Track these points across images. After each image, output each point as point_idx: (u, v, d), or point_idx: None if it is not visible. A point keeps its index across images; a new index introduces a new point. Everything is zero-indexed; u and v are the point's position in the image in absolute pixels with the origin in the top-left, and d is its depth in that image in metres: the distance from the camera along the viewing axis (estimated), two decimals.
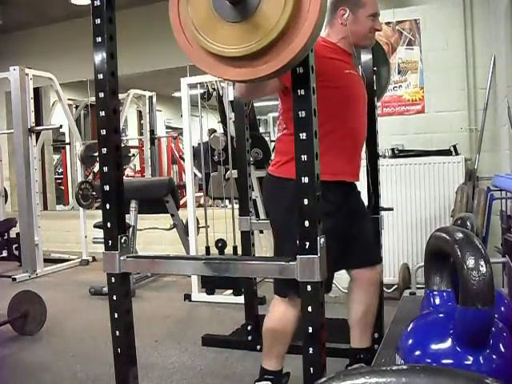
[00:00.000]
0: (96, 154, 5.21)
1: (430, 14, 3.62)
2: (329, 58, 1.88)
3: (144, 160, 7.16)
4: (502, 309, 1.39)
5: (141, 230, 4.45)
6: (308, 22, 1.17)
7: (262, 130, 8.49)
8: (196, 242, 3.86)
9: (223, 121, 4.31)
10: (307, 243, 1.31)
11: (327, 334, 1.35)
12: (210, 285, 3.76)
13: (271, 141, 6.72)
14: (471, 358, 1.13)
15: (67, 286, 4.49)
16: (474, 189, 3.09)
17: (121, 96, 5.69)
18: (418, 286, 2.99)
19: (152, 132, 7.11)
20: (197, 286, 3.77)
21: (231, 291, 3.75)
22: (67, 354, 2.79)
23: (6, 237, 5.36)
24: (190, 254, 3.97)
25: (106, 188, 1.49)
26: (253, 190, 3.76)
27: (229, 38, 1.21)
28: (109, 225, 1.51)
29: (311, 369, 1.33)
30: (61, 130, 7.15)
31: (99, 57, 1.46)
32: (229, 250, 3.90)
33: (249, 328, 2.73)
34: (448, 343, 1.16)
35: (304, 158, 1.30)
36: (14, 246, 5.26)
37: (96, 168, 6.66)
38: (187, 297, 3.80)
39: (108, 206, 1.50)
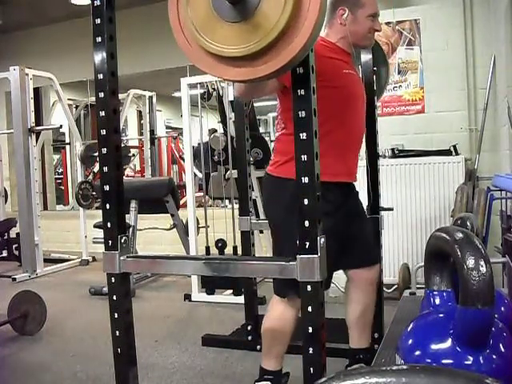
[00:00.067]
0: (96, 154, 5.21)
1: (430, 14, 3.62)
2: (328, 57, 1.87)
3: (144, 160, 7.16)
4: (502, 309, 1.39)
5: (141, 230, 4.45)
6: (308, 21, 1.17)
7: (262, 129, 8.49)
8: (196, 242, 3.86)
9: (223, 121, 4.31)
10: (307, 243, 1.31)
11: (327, 333, 1.35)
12: (210, 285, 3.76)
13: (271, 141, 6.71)
14: (471, 358, 1.13)
15: (67, 286, 4.49)
16: (474, 189, 3.09)
17: (121, 96, 5.69)
18: (418, 286, 2.99)
19: (152, 132, 7.11)
20: (197, 286, 3.78)
21: (231, 291, 3.75)
22: (67, 353, 2.79)
23: (6, 237, 5.36)
24: (189, 254, 3.97)
25: (106, 188, 1.50)
26: (253, 189, 3.76)
27: (228, 38, 1.21)
28: (109, 225, 1.51)
29: (311, 369, 1.33)
30: (61, 130, 7.15)
31: (99, 57, 1.46)
32: (229, 250, 3.91)
33: (249, 328, 2.73)
34: (448, 343, 1.16)
35: (304, 157, 1.30)
36: (14, 246, 5.26)
37: (96, 168, 6.66)
38: (187, 297, 3.80)
39: (108, 206, 1.50)
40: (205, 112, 4.12)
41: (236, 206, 3.46)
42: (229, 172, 4.08)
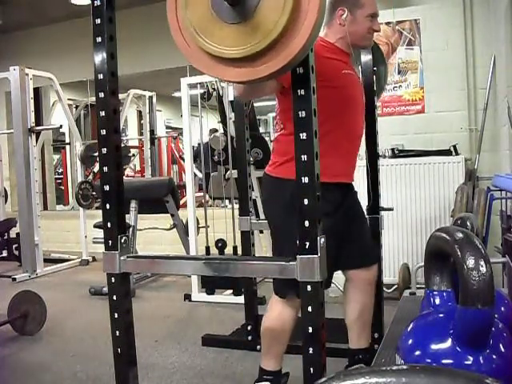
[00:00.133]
0: (96, 154, 5.21)
1: (430, 14, 3.62)
2: (327, 57, 1.87)
3: (144, 160, 7.17)
4: (502, 309, 1.39)
5: (141, 230, 4.45)
6: (307, 22, 1.17)
7: (262, 129, 8.49)
8: (196, 242, 3.86)
9: (223, 121, 4.31)
10: (307, 243, 1.31)
11: (327, 333, 1.36)
12: (210, 285, 3.76)
13: (271, 141, 6.71)
14: (471, 358, 1.13)
15: (67, 286, 4.49)
16: (474, 189, 3.09)
17: (121, 96, 5.69)
18: (418, 286, 2.99)
19: (152, 132, 7.11)
20: (197, 286, 3.78)
21: (231, 291, 3.75)
22: (67, 353, 2.79)
23: (6, 237, 5.36)
24: (189, 254, 3.97)
25: (106, 188, 1.50)
26: (253, 189, 3.76)
27: (228, 39, 1.21)
28: (109, 225, 1.51)
29: (311, 369, 1.33)
30: (61, 130, 7.15)
31: (99, 57, 1.46)
32: (229, 250, 3.91)
33: (249, 328, 2.73)
34: (448, 343, 1.16)
35: (304, 157, 1.30)
36: (14, 246, 5.26)
37: (96, 168, 6.66)
38: (187, 297, 3.80)
39: (108, 206, 1.50)
40: (205, 112, 4.12)
41: (236, 206, 3.46)
42: (229, 172, 4.08)
